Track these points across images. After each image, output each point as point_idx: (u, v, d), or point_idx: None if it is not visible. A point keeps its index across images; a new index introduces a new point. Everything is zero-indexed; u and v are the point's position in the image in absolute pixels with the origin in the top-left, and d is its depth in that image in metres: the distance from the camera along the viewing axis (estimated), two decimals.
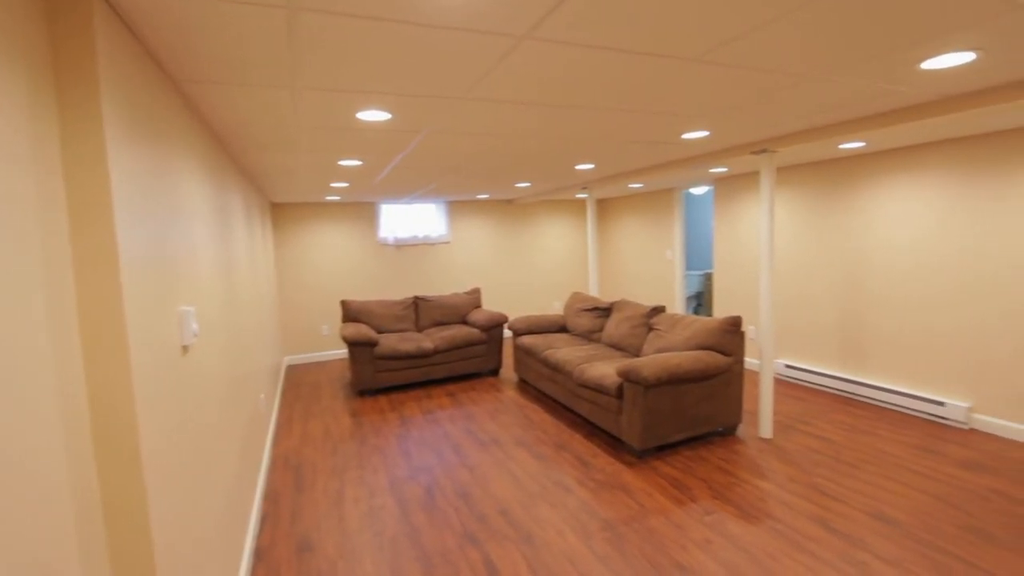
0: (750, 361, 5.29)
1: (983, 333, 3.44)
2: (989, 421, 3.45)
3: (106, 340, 1.04)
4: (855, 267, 4.19)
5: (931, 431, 3.53)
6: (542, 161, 3.76)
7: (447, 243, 7.02)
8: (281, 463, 3.45)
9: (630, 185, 5.83)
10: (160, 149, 1.46)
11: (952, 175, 3.54)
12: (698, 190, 6.97)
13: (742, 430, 3.69)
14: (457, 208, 7.03)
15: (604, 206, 7.90)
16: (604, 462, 3.27)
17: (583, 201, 7.84)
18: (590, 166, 4.10)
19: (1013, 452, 3.16)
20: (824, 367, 4.52)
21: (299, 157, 3.16)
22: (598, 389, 3.56)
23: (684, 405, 3.32)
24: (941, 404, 3.63)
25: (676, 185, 6.15)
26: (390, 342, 4.95)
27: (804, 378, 4.63)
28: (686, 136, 2.99)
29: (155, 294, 1.29)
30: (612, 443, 3.57)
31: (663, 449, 3.42)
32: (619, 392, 3.38)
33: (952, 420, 3.59)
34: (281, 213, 6.18)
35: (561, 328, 5.24)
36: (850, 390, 4.24)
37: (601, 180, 5.05)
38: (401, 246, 6.78)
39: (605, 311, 4.83)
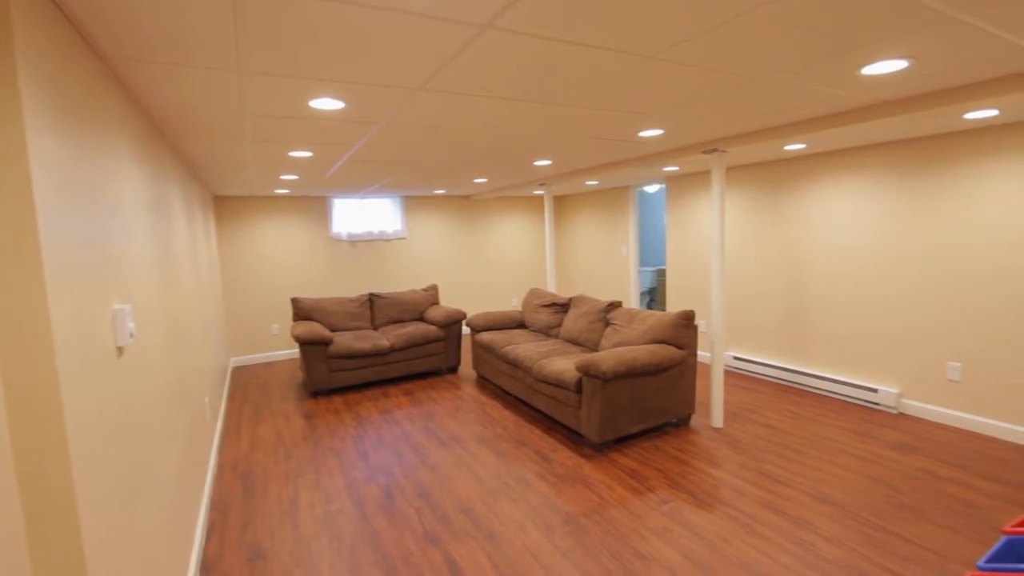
0: (701, 354, 5.48)
1: (911, 325, 3.70)
2: (916, 405, 3.71)
3: (29, 343, 0.94)
4: (799, 264, 4.42)
5: (866, 416, 3.77)
6: (501, 156, 3.74)
7: (403, 239, 6.89)
8: (229, 470, 3.28)
9: (587, 182, 5.90)
10: (90, 136, 1.34)
11: (889, 177, 3.78)
12: (651, 188, 7.15)
13: (695, 420, 3.82)
14: (413, 203, 6.91)
15: (561, 203, 7.97)
16: (564, 456, 3.30)
17: (540, 198, 7.88)
18: (548, 162, 4.12)
19: (937, 434, 3.41)
20: (770, 358, 4.74)
21: (246, 147, 3.00)
22: (558, 384, 3.59)
23: (641, 397, 3.39)
24: (874, 391, 3.88)
25: (631, 183, 6.27)
26: (344, 341, 4.80)
27: (752, 369, 4.84)
28: (642, 134, 3.05)
29: (85, 292, 1.18)
30: (571, 437, 3.60)
31: (621, 441, 3.49)
32: (578, 386, 3.42)
33: (884, 405, 3.84)
34: (225, 207, 5.88)
35: (519, 324, 5.25)
36: (794, 380, 4.47)
37: (559, 176, 5.09)
38: (355, 242, 6.60)
39: (563, 307, 4.87)
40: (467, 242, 7.33)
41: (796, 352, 4.51)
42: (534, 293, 5.32)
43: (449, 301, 7.23)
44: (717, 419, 3.67)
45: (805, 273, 4.36)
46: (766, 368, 4.70)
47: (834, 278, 4.15)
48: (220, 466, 3.35)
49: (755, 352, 4.88)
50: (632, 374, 3.30)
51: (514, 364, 4.23)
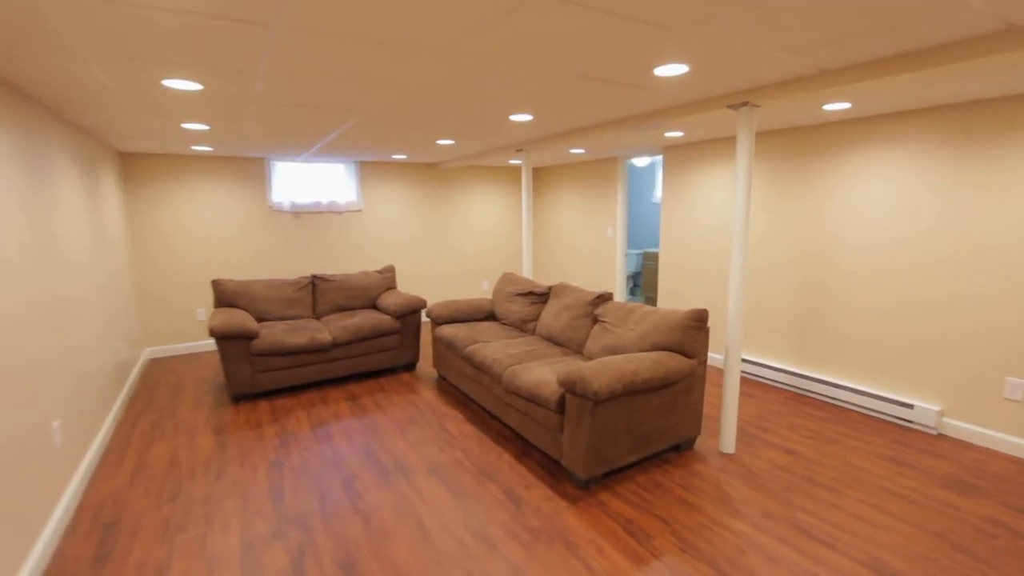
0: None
1: (959, 331, 3.05)
2: (961, 427, 3.10)
3: None
4: (821, 253, 3.72)
5: (897, 437, 3.14)
6: (469, 104, 2.88)
7: (358, 211, 5.96)
8: (89, 519, 2.42)
9: (571, 151, 5.07)
10: None
11: (930, 149, 3.08)
12: (640, 161, 6.37)
13: (701, 443, 3.13)
14: (370, 171, 5.96)
15: (539, 177, 7.13)
16: (540, 496, 2.56)
17: (517, 169, 7.02)
18: (527, 117, 3.27)
19: (994, 465, 2.80)
20: (782, 362, 4.09)
21: (89, 63, 2.07)
22: (533, 400, 2.83)
23: (639, 419, 2.66)
24: (909, 407, 3.25)
25: (621, 154, 5.48)
26: (274, 334, 3.93)
27: (759, 374, 4.18)
28: (659, 71, 2.24)
29: None
30: (550, 466, 2.87)
31: (612, 474, 2.77)
32: (560, 406, 2.66)
33: (920, 424, 3.22)
34: (134, 166, 4.83)
35: (489, 316, 4.46)
36: (809, 388, 3.82)
37: (540, 141, 4.24)
38: (300, 213, 5.64)
39: (541, 297, 4.09)
40: (433, 217, 6.44)
41: (812, 356, 3.85)
42: (507, 279, 4.53)
43: (411, 285, 6.37)
44: (728, 442, 2.98)
45: (827, 264, 3.68)
46: (776, 373, 4.04)
47: (863, 270, 3.47)
48: (80, 511, 2.49)
49: (764, 353, 4.22)
50: (630, 392, 2.56)
51: (480, 368, 3.44)
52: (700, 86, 2.50)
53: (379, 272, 5.03)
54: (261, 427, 3.43)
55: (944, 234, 3.08)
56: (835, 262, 3.63)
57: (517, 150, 4.57)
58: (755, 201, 4.14)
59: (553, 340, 3.70)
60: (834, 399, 3.67)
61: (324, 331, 4.13)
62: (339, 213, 5.86)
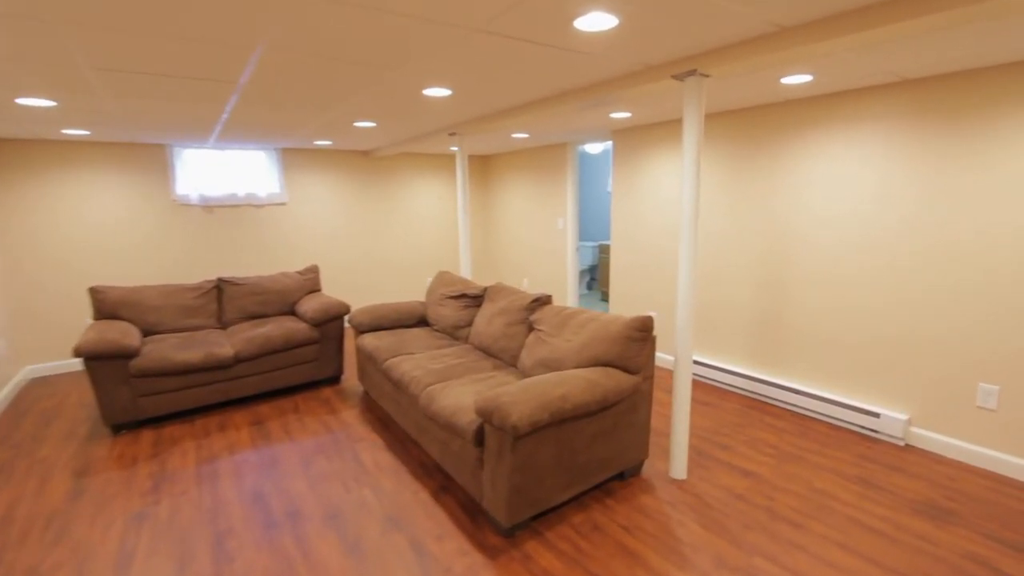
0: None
1: (927, 332, 2.76)
2: (931, 437, 2.82)
3: None
4: (781, 247, 3.38)
5: (863, 451, 2.84)
6: (370, 76, 2.37)
7: (282, 204, 5.34)
8: None
9: (514, 135, 4.61)
10: None
11: (901, 130, 2.76)
12: (594, 148, 5.97)
13: (650, 466, 2.75)
14: (295, 159, 5.35)
15: (487, 165, 6.64)
16: (453, 550, 2.11)
17: (470, 158, 6.48)
18: (446, 92, 2.78)
19: (966, 483, 2.51)
20: (738, 364, 3.75)
21: None
22: (450, 429, 2.38)
23: (573, 450, 2.25)
24: (875, 415, 2.95)
25: (570, 139, 5.04)
26: (161, 350, 3.34)
27: (714, 377, 3.84)
28: (582, 25, 1.79)
29: None
30: (471, 507, 2.42)
31: (543, 515, 2.35)
32: (479, 438, 2.22)
33: (886, 435, 2.93)
34: (2, 154, 4.11)
35: (420, 321, 3.97)
36: (768, 394, 3.50)
37: (472, 123, 3.76)
38: (212, 207, 4.99)
39: (476, 299, 3.63)
40: (369, 210, 5.87)
41: (772, 359, 3.53)
42: (441, 279, 4.04)
43: (344, 287, 5.81)
44: (679, 466, 2.61)
45: (787, 259, 3.34)
46: (734, 378, 3.70)
47: (826, 266, 3.15)
48: None
49: (720, 356, 3.88)
50: (560, 421, 2.14)
51: (398, 386, 2.97)
52: (638, 49, 2.06)
53: (300, 273, 4.46)
54: (135, 465, 2.86)
55: (915, 225, 2.76)
56: (796, 257, 3.29)
57: (450, 134, 4.07)
58: (710, 192, 3.77)
59: (485, 351, 3.25)
60: (795, 406, 3.36)
61: (226, 344, 3.56)
62: (259, 206, 5.24)
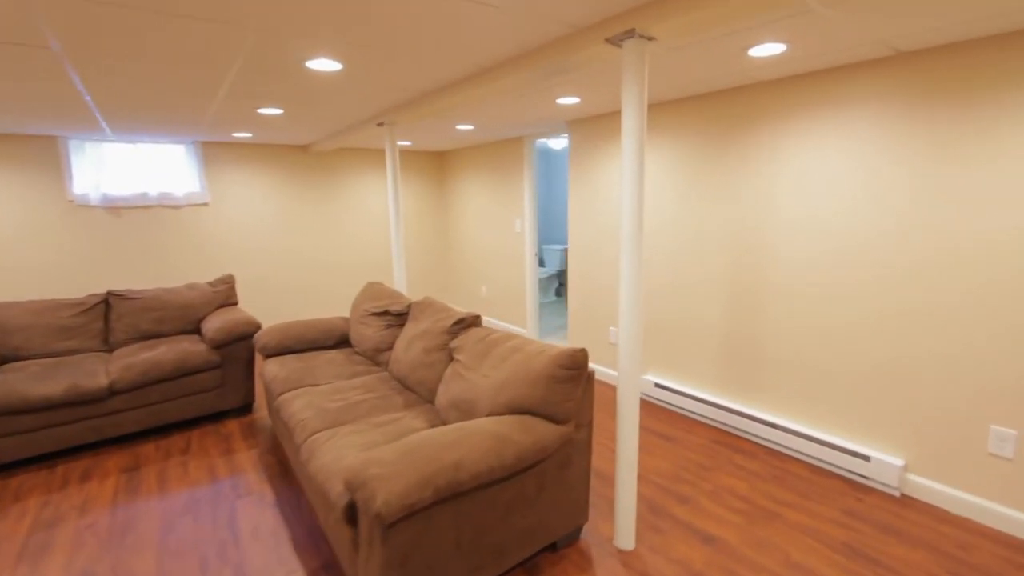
0: (606, 372, 3.91)
1: (927, 361, 2.27)
2: (929, 487, 2.33)
3: None
4: (755, 256, 2.88)
5: (852, 504, 2.35)
6: (202, 27, 1.82)
7: (203, 205, 4.75)
8: None
9: (459, 127, 4.07)
10: None
11: (893, 113, 2.27)
12: (557, 143, 5.45)
13: (590, 529, 2.22)
14: (218, 153, 4.75)
15: (443, 162, 6.10)
16: None
17: (418, 154, 5.94)
18: (335, 65, 2.23)
19: (978, 551, 2.02)
20: (704, 390, 3.25)
21: None
22: (323, 497, 1.83)
23: (481, 527, 1.71)
24: (865, 459, 2.46)
25: (524, 132, 4.52)
26: (11, 382, 2.75)
27: (678, 404, 3.34)
28: None
29: None
30: None
31: None
32: (351, 515, 1.68)
33: (878, 482, 2.44)
34: None
35: (342, 341, 3.42)
36: (738, 426, 3.00)
37: (397, 111, 3.21)
38: (118, 209, 4.38)
39: (400, 317, 3.08)
40: (308, 212, 5.29)
41: (744, 385, 3.03)
42: (368, 291, 3.49)
43: (276, 300, 5.22)
44: (624, 532, 2.09)
45: (762, 269, 2.84)
46: (700, 405, 3.20)
47: (807, 277, 2.65)
48: None
49: (685, 379, 3.37)
50: (455, 495, 1.60)
51: (286, 429, 2.42)
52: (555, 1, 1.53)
53: (211, 284, 3.88)
54: None
55: (912, 229, 2.27)
56: (771, 267, 2.80)
57: (378, 124, 3.52)
58: (672, 192, 3.26)
59: (402, 381, 2.70)
60: (772, 442, 2.86)
61: (100, 373, 2.98)
62: (176, 207, 4.63)
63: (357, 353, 3.23)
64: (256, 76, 2.37)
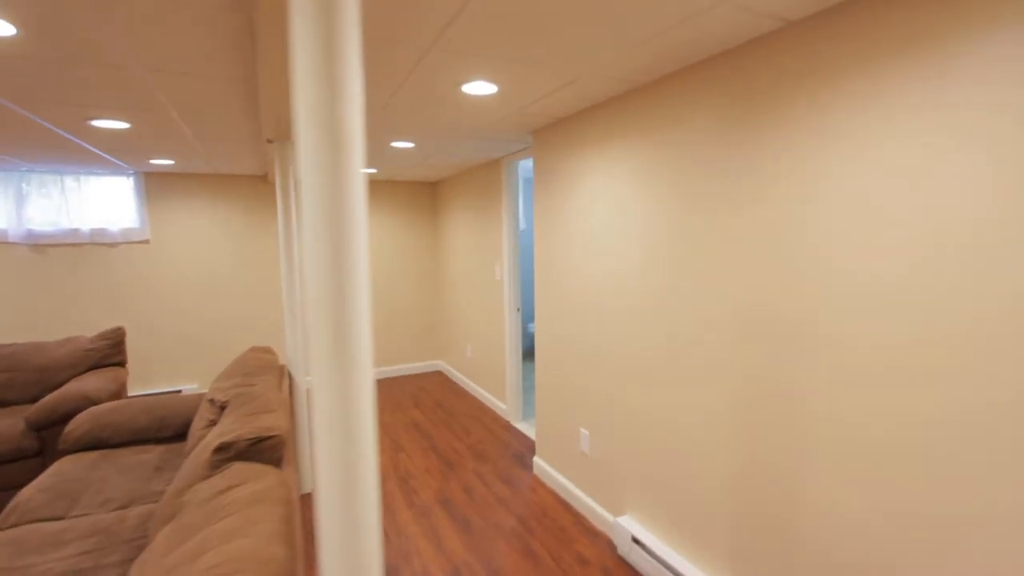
0: (589, 506, 2.60)
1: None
2: None
3: None
4: (780, 337, 1.56)
5: None
6: None
7: (143, 243, 4.18)
8: None
9: (394, 144, 3.13)
10: None
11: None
12: None
13: None
14: (162, 185, 4.20)
15: (436, 194, 5.21)
16: None
17: (414, 186, 5.09)
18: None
19: None
20: (704, 558, 1.88)
21: None
22: None
23: None
24: None
25: (495, 149, 3.48)
26: None
27: (676, 568, 1.98)
28: None
29: None
30: None
31: None
32: None
33: None
34: None
35: (183, 432, 2.50)
36: None
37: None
38: (43, 246, 3.91)
39: (221, 410, 2.10)
40: (267, 251, 4.58)
41: (769, 557, 1.65)
42: (244, 360, 2.57)
43: (224, 355, 4.49)
44: None
45: (800, 354, 1.51)
46: None
47: (871, 367, 1.30)
48: None
49: (681, 540, 2.02)
50: None
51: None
52: None
53: (93, 339, 3.18)
54: None
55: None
56: (817, 354, 1.46)
57: (268, 140, 2.67)
58: (650, 216, 2.02)
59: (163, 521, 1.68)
60: None
61: None
62: (112, 245, 4.10)
63: (189, 452, 2.28)
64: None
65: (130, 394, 4.10)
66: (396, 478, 2.99)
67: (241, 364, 2.50)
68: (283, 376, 2.55)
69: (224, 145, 3.09)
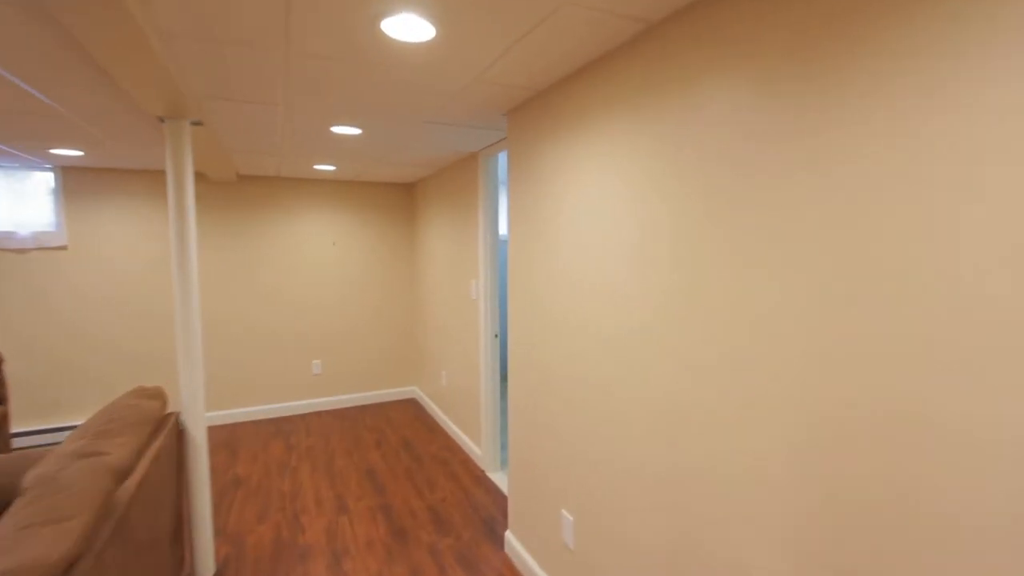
0: None
1: None
2: None
3: None
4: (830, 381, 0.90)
5: None
6: None
7: (60, 248, 3.57)
8: None
9: (335, 129, 2.50)
10: None
11: None
12: None
13: None
14: (90, 182, 3.58)
15: (412, 196, 4.59)
16: None
17: (390, 188, 4.47)
18: None
19: None
20: None
21: None
22: None
23: None
24: None
25: (469, 141, 2.84)
26: None
27: None
28: None
29: None
30: None
31: None
32: None
33: None
34: None
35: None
36: None
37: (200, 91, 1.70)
38: None
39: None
40: (228, 259, 3.95)
41: None
42: (113, 408, 1.92)
43: (133, 385, 3.85)
44: None
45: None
46: None
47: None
48: None
49: None
50: None
51: None
52: None
53: None
54: None
55: None
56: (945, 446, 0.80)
57: (160, 119, 2.05)
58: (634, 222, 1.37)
59: None
60: None
61: None
62: (23, 251, 3.48)
63: None
64: None
65: (12, 431, 3.46)
66: (328, 555, 2.33)
67: (106, 414, 1.86)
68: (160, 433, 1.90)
69: (121, 127, 2.46)
